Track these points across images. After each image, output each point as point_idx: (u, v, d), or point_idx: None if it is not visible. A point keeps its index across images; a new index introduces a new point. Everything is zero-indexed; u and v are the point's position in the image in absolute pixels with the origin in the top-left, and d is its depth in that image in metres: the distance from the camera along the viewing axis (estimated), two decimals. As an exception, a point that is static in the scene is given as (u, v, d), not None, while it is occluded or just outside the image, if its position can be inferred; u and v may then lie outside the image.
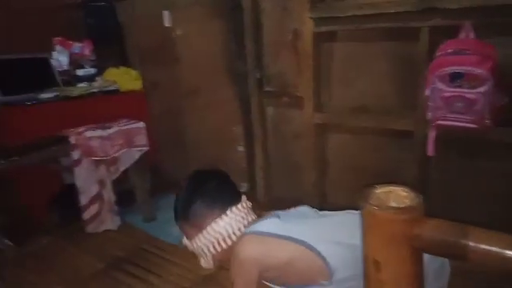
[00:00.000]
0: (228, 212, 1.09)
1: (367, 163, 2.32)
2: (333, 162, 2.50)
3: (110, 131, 2.40)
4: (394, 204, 0.63)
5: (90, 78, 2.91)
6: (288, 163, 2.68)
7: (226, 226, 1.08)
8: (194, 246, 1.11)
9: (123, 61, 3.24)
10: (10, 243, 2.41)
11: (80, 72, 2.93)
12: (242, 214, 1.11)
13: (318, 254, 0.95)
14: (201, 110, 2.99)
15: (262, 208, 2.76)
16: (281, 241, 0.98)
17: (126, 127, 2.50)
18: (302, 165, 2.55)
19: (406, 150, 2.10)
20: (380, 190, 0.67)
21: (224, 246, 1.08)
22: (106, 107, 2.72)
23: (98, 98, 2.75)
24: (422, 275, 0.68)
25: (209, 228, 1.08)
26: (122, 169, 2.52)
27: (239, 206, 1.12)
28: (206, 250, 1.09)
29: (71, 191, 2.45)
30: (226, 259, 1.10)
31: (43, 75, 2.85)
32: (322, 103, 2.39)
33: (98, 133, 2.36)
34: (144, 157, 2.62)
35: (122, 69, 3.02)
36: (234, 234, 1.08)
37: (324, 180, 2.53)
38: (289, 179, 2.70)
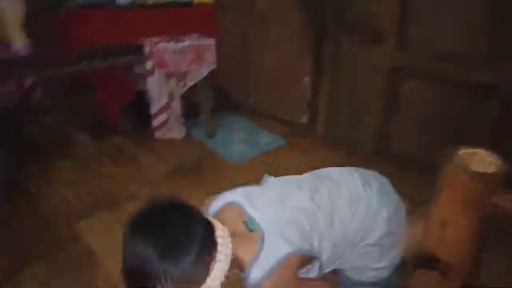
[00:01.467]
0: (218, 256, 0.84)
1: (439, 115, 2.17)
2: (403, 109, 2.37)
3: (183, 45, 2.45)
4: (477, 168, 0.61)
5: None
6: (354, 102, 2.59)
7: (224, 265, 0.85)
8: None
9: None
10: (89, 139, 2.71)
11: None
12: (226, 240, 0.87)
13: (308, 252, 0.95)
14: (269, 35, 2.90)
15: (317, 142, 2.80)
16: (281, 269, 0.88)
17: (197, 43, 2.53)
18: (369, 106, 2.46)
19: (485, 107, 1.93)
20: (464, 151, 0.63)
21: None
22: (179, 19, 2.74)
23: (171, 9, 2.75)
24: (481, 240, 0.67)
25: (210, 278, 0.83)
26: (189, 84, 2.61)
27: (219, 234, 0.87)
28: None
29: (143, 100, 2.62)
30: None
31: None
32: (404, 42, 2.20)
33: (171, 46, 2.42)
34: (210, 75, 2.68)
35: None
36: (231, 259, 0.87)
37: (388, 126, 2.44)
38: (351, 119, 2.64)
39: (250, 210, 0.94)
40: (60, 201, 2.15)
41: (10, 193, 2.20)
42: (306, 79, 2.78)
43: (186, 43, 2.47)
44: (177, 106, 2.67)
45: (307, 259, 0.95)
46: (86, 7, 2.54)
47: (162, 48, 2.40)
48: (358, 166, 1.20)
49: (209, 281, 0.81)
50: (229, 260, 0.85)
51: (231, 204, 0.99)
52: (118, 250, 1.57)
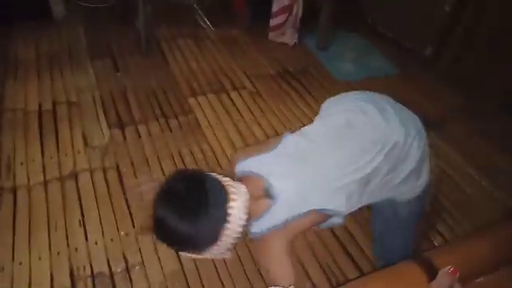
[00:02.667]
0: (229, 210, 0.90)
1: None
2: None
3: None
4: None
5: None
6: (494, 47, 2.26)
7: (237, 225, 0.91)
8: (209, 255, 0.96)
9: None
10: (211, 26, 2.83)
11: None
12: (243, 199, 0.93)
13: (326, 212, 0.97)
14: None
15: (436, 80, 2.57)
16: (294, 223, 0.95)
17: None
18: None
19: None
20: None
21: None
22: None
23: None
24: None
25: (224, 236, 0.90)
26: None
27: (233, 195, 0.93)
28: (225, 249, 0.95)
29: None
30: None
31: None
32: None
33: None
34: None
35: None
36: (245, 220, 0.94)
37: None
38: (483, 66, 2.33)
39: (268, 178, 0.98)
40: (179, 73, 2.39)
41: (149, 48, 2.51)
42: (447, 8, 2.46)
43: None
44: (298, 9, 2.60)
45: (324, 216, 0.98)
46: None
47: None
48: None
49: (223, 237, 0.90)
50: (243, 218, 0.91)
51: (250, 174, 1.01)
52: (220, 128, 1.73)
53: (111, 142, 1.84)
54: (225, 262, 1.41)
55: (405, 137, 0.99)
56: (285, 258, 0.93)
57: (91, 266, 1.36)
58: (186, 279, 1.37)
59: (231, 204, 0.89)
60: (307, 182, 0.96)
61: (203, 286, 1.35)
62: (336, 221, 0.99)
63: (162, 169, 1.74)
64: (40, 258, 1.36)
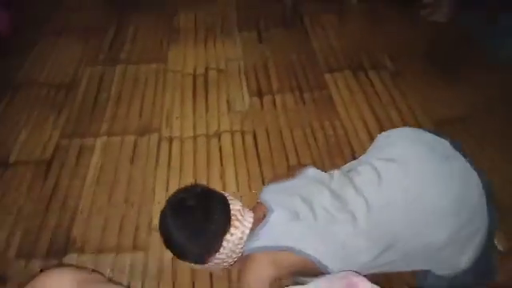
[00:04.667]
0: (234, 223, 1.02)
1: None
2: None
3: None
4: None
5: None
6: None
7: (237, 239, 1.02)
8: (206, 267, 1.07)
9: None
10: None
11: None
12: (246, 218, 1.05)
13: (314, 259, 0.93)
14: None
15: None
16: (283, 255, 0.95)
17: None
18: None
19: None
20: None
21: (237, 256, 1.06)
22: None
23: None
24: None
25: (222, 248, 1.01)
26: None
27: (238, 211, 1.05)
28: (219, 266, 1.07)
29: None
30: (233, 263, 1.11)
31: None
32: None
33: None
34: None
35: None
36: (244, 240, 1.03)
37: None
38: None
39: (271, 203, 1.03)
40: (319, 47, 2.40)
41: (293, 22, 2.60)
42: None
43: None
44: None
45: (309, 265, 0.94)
46: None
47: None
48: None
49: (223, 252, 1.00)
50: (238, 248, 1.01)
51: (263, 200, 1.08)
52: (354, 107, 1.68)
53: (250, 109, 1.99)
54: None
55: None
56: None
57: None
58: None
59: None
60: (304, 218, 0.96)
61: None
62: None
63: (293, 139, 1.82)
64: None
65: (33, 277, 0.84)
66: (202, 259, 1.01)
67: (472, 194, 0.90)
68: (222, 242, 0.98)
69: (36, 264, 1.36)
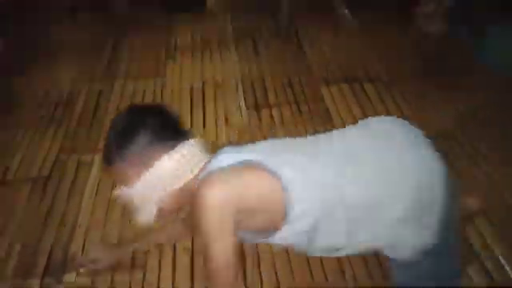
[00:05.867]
0: (178, 148, 0.81)
1: None
2: None
3: None
4: None
5: None
6: None
7: (176, 164, 0.81)
8: (133, 193, 0.83)
9: None
10: (349, 12, 2.79)
11: None
12: (196, 151, 0.83)
13: (279, 177, 0.77)
14: None
15: None
16: (245, 173, 0.79)
17: None
18: None
19: None
20: None
21: (173, 191, 0.82)
22: None
23: None
24: None
25: (153, 168, 0.80)
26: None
27: (191, 141, 0.84)
28: (149, 198, 0.82)
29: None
30: (174, 211, 0.90)
31: None
32: None
33: None
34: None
35: None
36: (185, 175, 0.82)
37: None
38: None
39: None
40: (314, 60, 2.43)
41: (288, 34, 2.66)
42: None
43: None
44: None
45: (279, 199, 0.78)
46: None
47: None
48: None
49: (154, 169, 0.80)
50: (185, 163, 0.81)
51: None
52: (350, 120, 1.68)
53: (248, 122, 2.00)
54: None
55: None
56: (224, 224, 0.76)
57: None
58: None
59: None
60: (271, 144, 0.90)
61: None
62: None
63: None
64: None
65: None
66: (122, 159, 0.81)
67: (437, 182, 0.83)
68: (149, 158, 0.80)
69: (33, 283, 1.34)
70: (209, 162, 0.84)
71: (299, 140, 0.94)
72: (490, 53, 2.33)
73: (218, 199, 0.74)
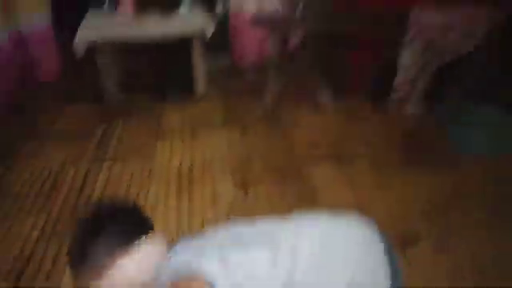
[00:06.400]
0: (136, 247, 0.85)
1: None
2: None
3: (450, 15, 2.27)
4: None
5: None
6: None
7: (137, 265, 0.85)
8: None
9: None
10: (329, 96, 2.96)
11: None
12: (154, 250, 0.89)
13: None
14: None
15: None
16: None
17: (467, 15, 2.29)
18: None
19: None
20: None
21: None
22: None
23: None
24: None
25: (116, 270, 0.83)
26: (446, 59, 2.44)
27: (150, 238, 0.89)
28: None
29: (390, 69, 2.63)
30: None
31: None
32: None
33: (438, 15, 2.29)
34: (473, 51, 2.40)
35: None
36: (146, 274, 0.87)
37: None
38: None
39: None
40: (300, 140, 2.51)
41: (274, 117, 2.75)
42: None
43: (455, 13, 2.28)
44: (423, 80, 2.56)
45: None
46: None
47: (427, 17, 2.31)
48: None
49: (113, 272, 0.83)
50: (145, 261, 0.86)
51: None
52: (338, 198, 1.68)
53: (235, 201, 1.99)
54: None
55: None
56: None
57: None
58: None
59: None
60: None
61: None
62: None
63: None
64: None
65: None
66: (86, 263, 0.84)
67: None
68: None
69: None
70: (168, 259, 0.88)
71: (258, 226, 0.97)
72: (462, 132, 2.46)
73: None
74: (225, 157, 2.36)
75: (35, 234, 1.80)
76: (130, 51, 3.21)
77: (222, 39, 3.36)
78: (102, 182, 2.15)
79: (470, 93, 2.59)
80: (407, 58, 2.47)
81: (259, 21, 2.89)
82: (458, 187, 2.04)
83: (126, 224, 0.88)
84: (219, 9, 3.41)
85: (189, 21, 2.81)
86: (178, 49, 2.99)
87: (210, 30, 2.75)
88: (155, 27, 2.70)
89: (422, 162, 2.24)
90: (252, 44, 3.43)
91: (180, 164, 2.31)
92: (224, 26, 3.46)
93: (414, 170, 2.18)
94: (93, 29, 2.66)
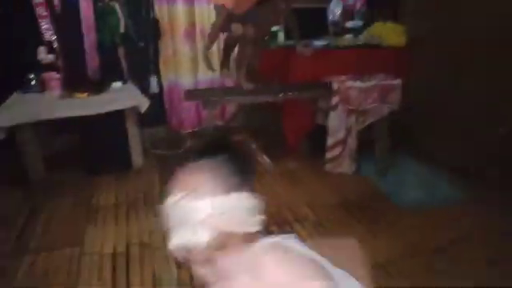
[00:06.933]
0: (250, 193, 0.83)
1: None
2: None
3: (369, 84, 2.53)
4: None
5: (356, 31, 3.07)
6: None
7: (250, 208, 0.81)
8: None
9: (393, 15, 3.20)
10: (268, 160, 3.03)
11: (349, 24, 3.12)
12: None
13: None
14: (470, 79, 2.65)
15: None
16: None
17: (382, 82, 2.57)
18: None
19: None
20: None
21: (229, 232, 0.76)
22: (368, 60, 2.84)
23: (361, 51, 2.89)
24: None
25: (230, 197, 0.78)
26: (368, 121, 2.66)
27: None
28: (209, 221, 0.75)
29: (321, 132, 2.80)
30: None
31: (318, 24, 3.20)
32: None
33: (358, 84, 2.54)
34: (391, 114, 2.66)
35: (389, 24, 3.02)
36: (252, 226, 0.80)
37: None
38: None
39: None
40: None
41: None
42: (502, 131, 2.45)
43: (373, 82, 2.55)
44: (352, 141, 2.74)
45: None
46: (290, 47, 2.90)
47: (348, 85, 2.54)
48: None
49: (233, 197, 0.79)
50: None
51: None
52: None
53: (179, 282, 1.84)
54: None
55: None
56: None
57: None
58: None
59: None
60: None
61: None
62: None
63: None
64: None
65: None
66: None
67: None
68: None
69: None
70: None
71: None
72: (394, 186, 2.62)
73: None
74: (165, 234, 2.21)
75: None
76: (60, 128, 3.05)
77: (158, 110, 3.37)
78: (23, 279, 1.87)
79: (394, 148, 2.82)
80: (334, 121, 2.65)
81: (192, 96, 2.96)
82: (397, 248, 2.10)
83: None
84: (153, 88, 3.44)
85: (122, 97, 2.78)
86: (113, 122, 2.91)
87: (144, 105, 2.73)
88: (84, 106, 2.63)
89: (364, 220, 2.29)
90: (189, 113, 3.47)
91: (114, 247, 2.10)
92: (160, 98, 3.49)
93: (356, 228, 2.22)
94: (15, 111, 2.53)
